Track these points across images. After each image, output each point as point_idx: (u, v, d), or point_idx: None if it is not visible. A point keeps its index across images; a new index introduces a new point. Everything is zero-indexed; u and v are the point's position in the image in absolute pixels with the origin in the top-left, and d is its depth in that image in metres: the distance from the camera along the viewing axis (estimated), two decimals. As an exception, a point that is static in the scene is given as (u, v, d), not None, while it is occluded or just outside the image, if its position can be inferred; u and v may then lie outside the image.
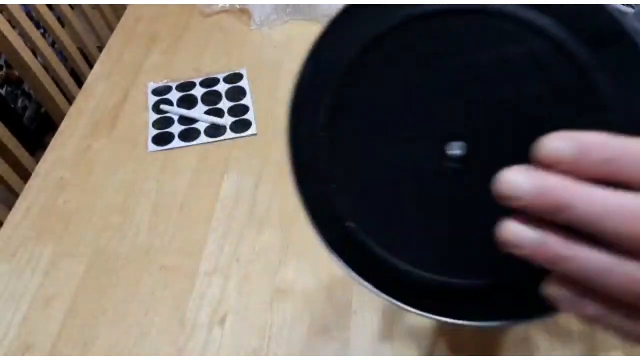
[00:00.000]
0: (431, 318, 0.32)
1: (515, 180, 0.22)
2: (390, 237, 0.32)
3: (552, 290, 0.23)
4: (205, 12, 1.02)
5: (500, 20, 0.27)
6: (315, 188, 0.33)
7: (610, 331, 0.23)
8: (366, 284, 0.33)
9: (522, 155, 0.24)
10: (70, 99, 1.05)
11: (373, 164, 0.32)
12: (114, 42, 0.99)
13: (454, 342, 0.56)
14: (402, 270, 0.31)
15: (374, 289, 0.33)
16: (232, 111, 0.83)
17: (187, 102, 0.86)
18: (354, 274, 0.33)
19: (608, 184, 0.21)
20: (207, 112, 0.83)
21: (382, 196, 0.32)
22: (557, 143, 0.21)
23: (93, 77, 0.92)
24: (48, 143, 0.82)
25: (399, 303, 0.32)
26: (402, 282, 0.32)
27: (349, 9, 0.31)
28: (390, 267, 0.32)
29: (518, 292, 0.29)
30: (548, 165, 0.21)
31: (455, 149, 0.28)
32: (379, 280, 0.33)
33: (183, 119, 0.83)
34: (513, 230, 0.22)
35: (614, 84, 0.26)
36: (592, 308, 0.22)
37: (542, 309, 0.28)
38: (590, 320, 0.23)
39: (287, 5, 0.98)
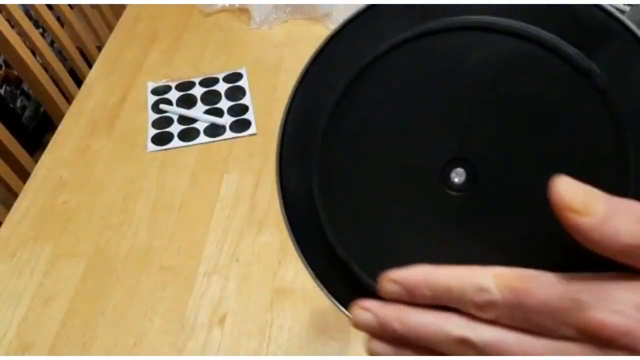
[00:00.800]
0: None
1: (363, 317, 0.28)
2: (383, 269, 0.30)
3: (375, 346, 0.29)
4: (205, 11, 1.02)
5: (498, 36, 0.26)
6: (311, 234, 0.32)
7: None
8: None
9: (529, 177, 0.25)
10: (69, 99, 1.05)
11: (372, 202, 0.30)
12: (113, 42, 0.98)
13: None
14: None
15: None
16: (231, 111, 0.83)
17: (187, 101, 0.85)
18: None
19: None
20: (207, 112, 0.83)
21: (382, 232, 0.30)
22: (388, 286, 0.27)
23: (92, 77, 0.92)
24: (47, 143, 0.81)
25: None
26: None
27: (333, 38, 0.30)
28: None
29: None
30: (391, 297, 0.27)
31: (456, 175, 0.27)
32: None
33: (182, 119, 0.83)
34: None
35: (616, 82, 0.25)
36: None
37: None
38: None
39: (287, 5, 0.98)
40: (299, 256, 0.33)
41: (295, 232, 0.33)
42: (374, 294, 0.30)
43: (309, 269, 0.33)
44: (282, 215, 0.33)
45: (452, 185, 0.28)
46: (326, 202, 0.31)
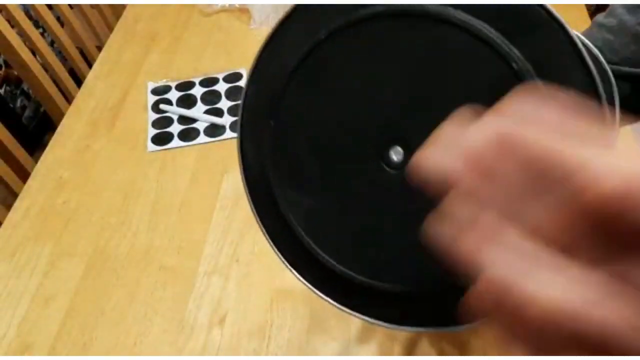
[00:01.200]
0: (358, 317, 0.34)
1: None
2: (327, 238, 0.33)
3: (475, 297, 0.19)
4: (205, 11, 1.02)
5: (428, 22, 0.27)
6: (268, 207, 0.35)
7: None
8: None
9: None
10: (69, 99, 1.05)
11: (318, 179, 0.32)
12: (113, 42, 0.98)
13: (455, 342, 0.56)
14: (340, 273, 0.33)
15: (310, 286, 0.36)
16: (231, 111, 0.83)
17: (187, 101, 0.85)
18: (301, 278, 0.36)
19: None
20: (207, 112, 0.83)
21: (327, 206, 0.32)
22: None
23: (92, 77, 0.92)
24: (47, 143, 0.81)
25: (328, 299, 0.35)
26: (337, 281, 0.33)
27: (283, 23, 0.31)
28: (325, 266, 0.33)
29: (436, 301, 0.31)
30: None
31: (394, 154, 0.29)
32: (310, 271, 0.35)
33: (182, 119, 0.83)
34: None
35: (537, 67, 0.26)
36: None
37: (458, 321, 0.30)
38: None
39: (287, 5, 0.98)
40: (255, 218, 0.36)
41: (253, 198, 0.36)
42: (314, 257, 0.33)
43: (264, 231, 0.36)
44: (242, 181, 0.36)
45: (391, 163, 0.29)
46: (277, 175, 0.33)
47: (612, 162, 0.16)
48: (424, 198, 0.28)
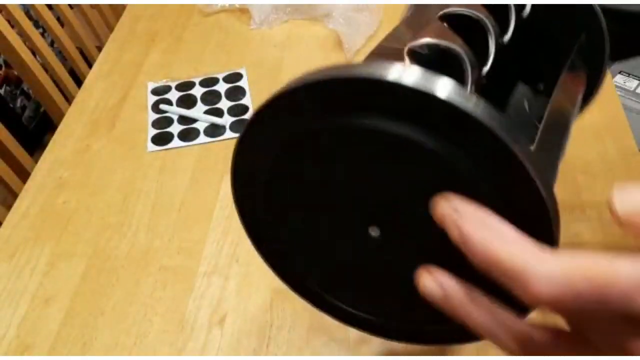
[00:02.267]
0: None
1: (430, 286, 0.27)
2: (334, 286, 0.40)
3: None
4: (205, 11, 1.02)
5: (385, 136, 0.29)
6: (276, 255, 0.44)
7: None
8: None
9: (421, 233, 0.31)
10: (69, 99, 1.05)
11: (312, 237, 0.38)
12: (113, 42, 0.98)
13: (455, 342, 0.55)
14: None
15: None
16: (231, 111, 0.83)
17: (187, 101, 0.85)
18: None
19: None
20: (207, 112, 0.83)
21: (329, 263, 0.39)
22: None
23: (92, 77, 0.92)
24: (47, 143, 0.81)
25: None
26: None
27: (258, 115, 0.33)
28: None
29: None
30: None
31: (372, 231, 0.33)
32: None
33: (182, 119, 0.83)
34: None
35: (474, 164, 0.28)
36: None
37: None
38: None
39: (287, 5, 0.98)
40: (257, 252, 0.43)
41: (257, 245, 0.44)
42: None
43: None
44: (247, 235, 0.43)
45: (370, 237, 0.33)
46: (265, 234, 0.42)
47: (548, 269, 0.22)
48: (398, 260, 0.33)
